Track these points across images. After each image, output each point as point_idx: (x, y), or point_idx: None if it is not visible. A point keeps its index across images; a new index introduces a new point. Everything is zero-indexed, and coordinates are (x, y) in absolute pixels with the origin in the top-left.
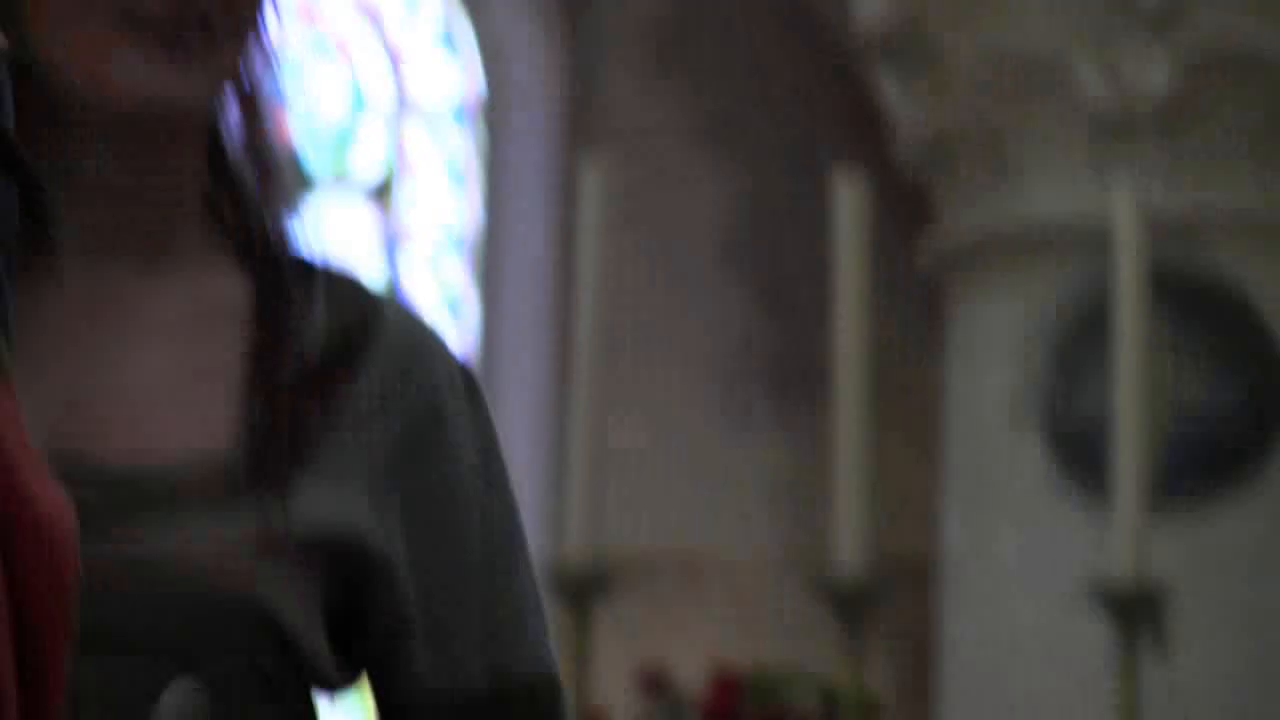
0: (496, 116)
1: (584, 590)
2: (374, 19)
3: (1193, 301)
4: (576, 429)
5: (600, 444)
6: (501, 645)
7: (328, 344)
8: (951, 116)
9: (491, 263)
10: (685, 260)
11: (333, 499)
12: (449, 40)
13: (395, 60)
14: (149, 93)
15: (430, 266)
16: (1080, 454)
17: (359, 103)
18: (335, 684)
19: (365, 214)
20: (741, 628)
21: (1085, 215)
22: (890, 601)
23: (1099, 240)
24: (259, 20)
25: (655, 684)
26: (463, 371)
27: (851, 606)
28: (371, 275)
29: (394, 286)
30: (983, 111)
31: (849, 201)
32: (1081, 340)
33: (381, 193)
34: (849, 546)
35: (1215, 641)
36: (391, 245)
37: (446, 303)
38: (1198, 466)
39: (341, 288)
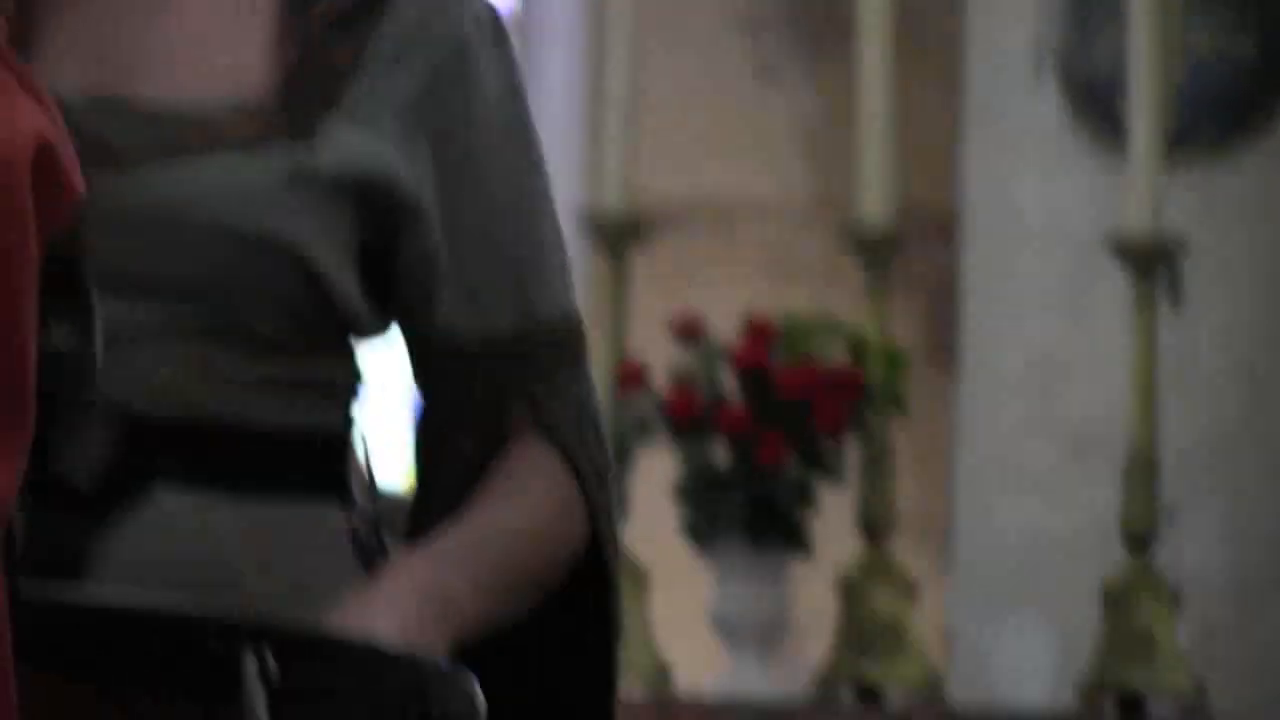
0: None
1: (619, 238)
2: None
3: None
4: (611, 79)
5: (633, 94)
6: (525, 286)
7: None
8: None
9: None
10: None
11: (363, 140)
12: None
13: None
14: None
15: None
16: (1097, 106)
17: None
18: (366, 329)
19: None
20: (771, 277)
21: None
22: (915, 251)
23: None
24: None
25: (689, 332)
26: (489, 14)
27: (877, 255)
28: None
29: None
30: None
31: None
32: None
33: None
34: (874, 195)
35: (1228, 293)
36: None
37: None
38: (1211, 117)
39: None
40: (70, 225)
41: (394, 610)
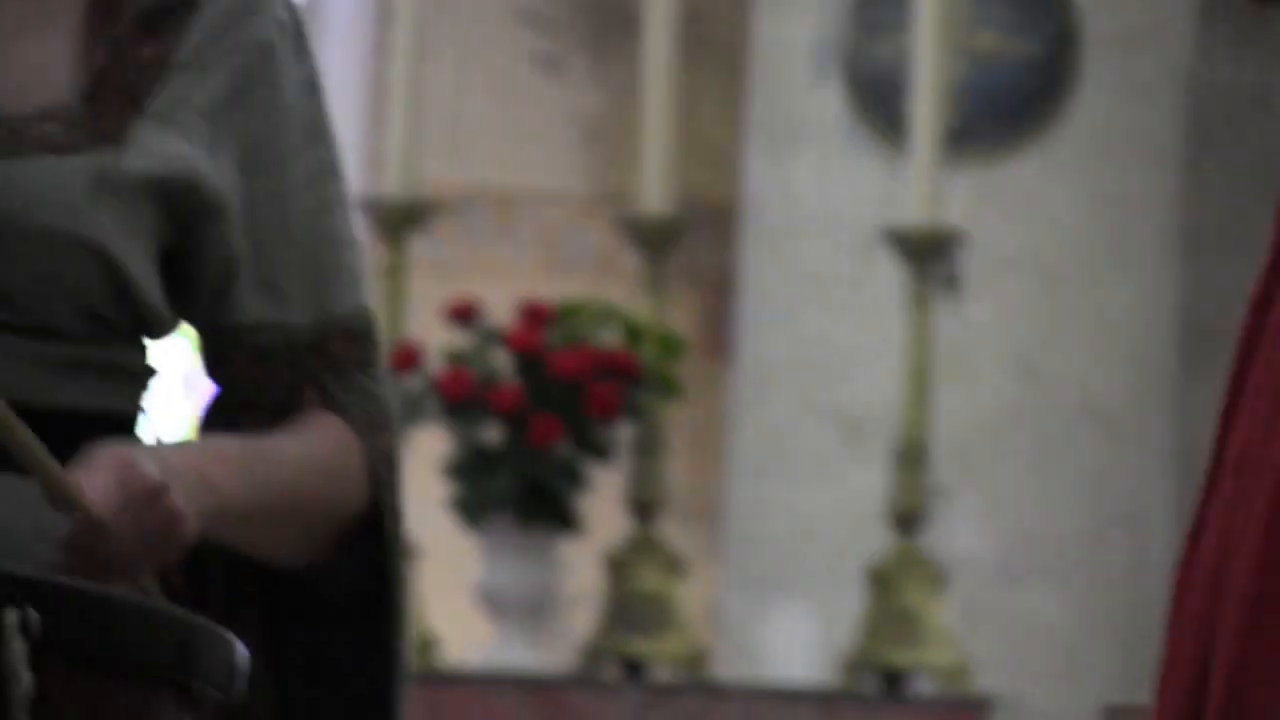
0: None
1: (399, 224)
2: None
3: None
4: (394, 70)
5: (416, 84)
6: (322, 283)
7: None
8: None
9: None
10: None
11: (169, 142)
12: None
13: None
14: None
15: None
16: (879, 103)
17: None
18: (164, 326)
19: None
20: (550, 266)
21: None
22: (695, 243)
23: None
24: None
25: (464, 315)
26: (292, 16)
27: (655, 245)
28: None
29: None
30: None
31: None
32: None
33: None
34: (654, 187)
35: (1003, 285)
36: None
37: None
38: (994, 115)
39: None
40: None
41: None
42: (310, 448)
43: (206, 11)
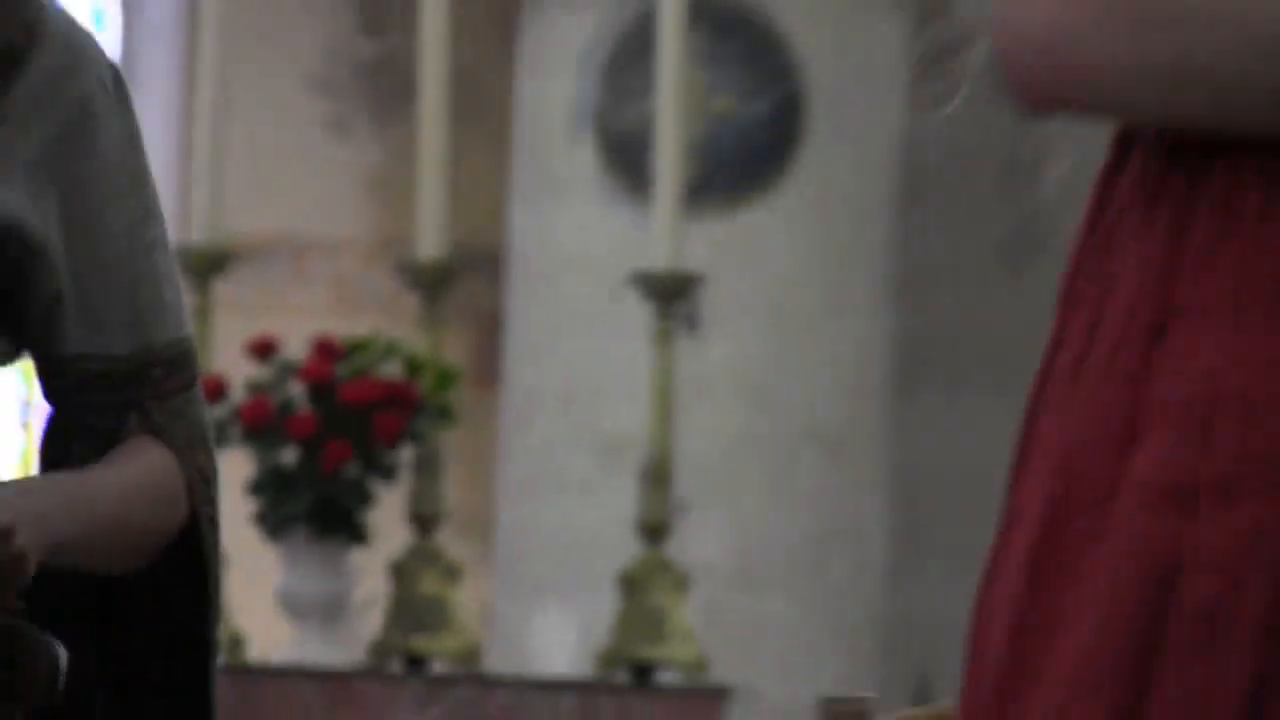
0: None
1: (206, 270)
2: None
3: (728, 23)
4: (199, 130)
5: (219, 143)
6: (142, 318)
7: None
8: None
9: None
10: None
11: (17, 171)
12: None
13: None
14: None
15: None
16: (627, 159)
17: None
18: (3, 358)
19: None
20: (341, 306)
21: None
22: (466, 281)
23: None
24: None
25: (265, 350)
26: (113, 73)
27: (431, 286)
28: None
29: None
30: None
31: None
32: (630, 56)
33: None
34: (429, 234)
35: (739, 323)
36: None
37: (93, 12)
38: (728, 171)
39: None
40: None
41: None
42: (134, 475)
43: (30, 69)
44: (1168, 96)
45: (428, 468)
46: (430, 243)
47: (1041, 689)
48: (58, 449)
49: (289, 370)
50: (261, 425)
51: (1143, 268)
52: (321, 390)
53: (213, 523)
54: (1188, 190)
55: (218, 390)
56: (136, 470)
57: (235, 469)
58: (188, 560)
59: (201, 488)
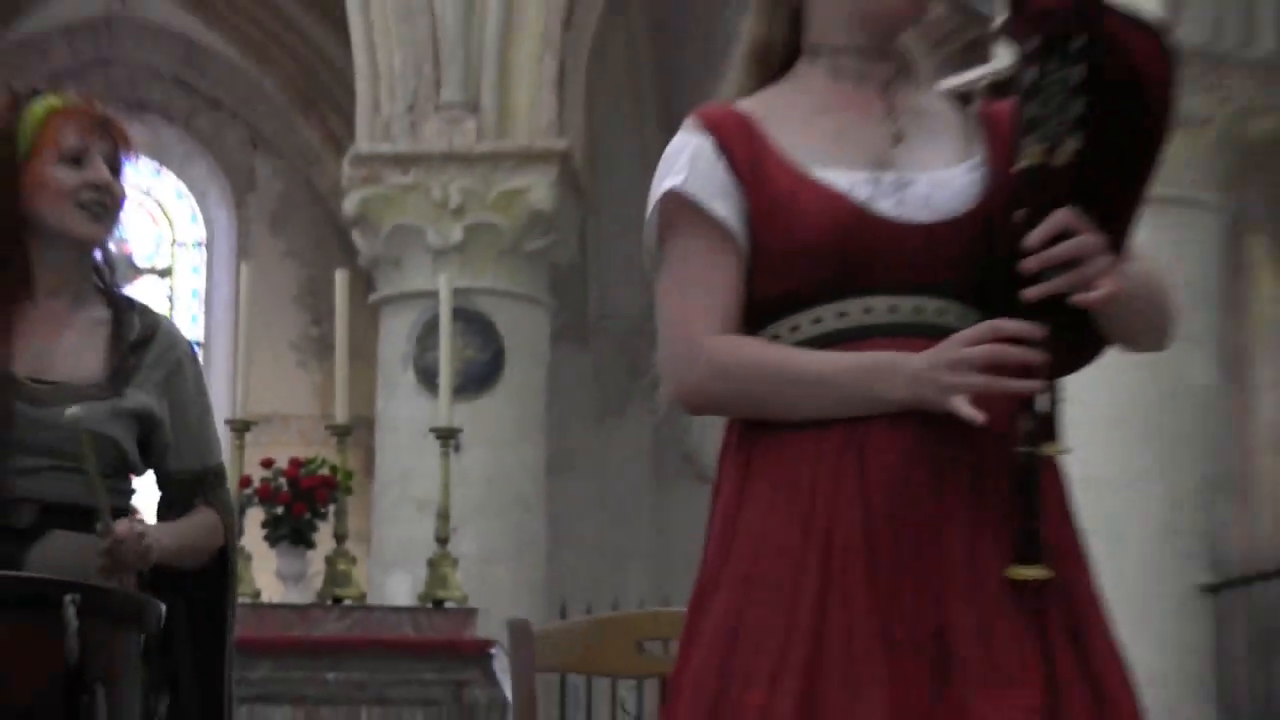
0: None
1: (241, 430)
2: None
3: (472, 316)
4: (240, 372)
5: (247, 371)
6: (203, 454)
7: (138, 335)
8: None
9: None
10: None
11: (142, 397)
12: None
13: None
14: (89, 235)
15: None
16: (427, 377)
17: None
18: (139, 470)
19: (150, 285)
20: (302, 444)
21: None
22: (358, 433)
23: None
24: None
25: (268, 464)
26: (190, 346)
27: (341, 435)
28: (154, 305)
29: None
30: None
31: None
32: (428, 329)
33: (162, 274)
34: (342, 410)
35: (481, 452)
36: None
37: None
38: (471, 384)
39: (145, 311)
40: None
41: (152, 537)
42: (199, 523)
43: (154, 346)
44: (740, 406)
45: (340, 514)
46: (342, 414)
47: None
48: (163, 512)
49: (279, 472)
50: (266, 496)
51: (728, 478)
52: (293, 480)
53: (233, 546)
54: (743, 433)
55: (247, 482)
56: (200, 521)
57: (255, 516)
58: (221, 563)
59: (229, 531)
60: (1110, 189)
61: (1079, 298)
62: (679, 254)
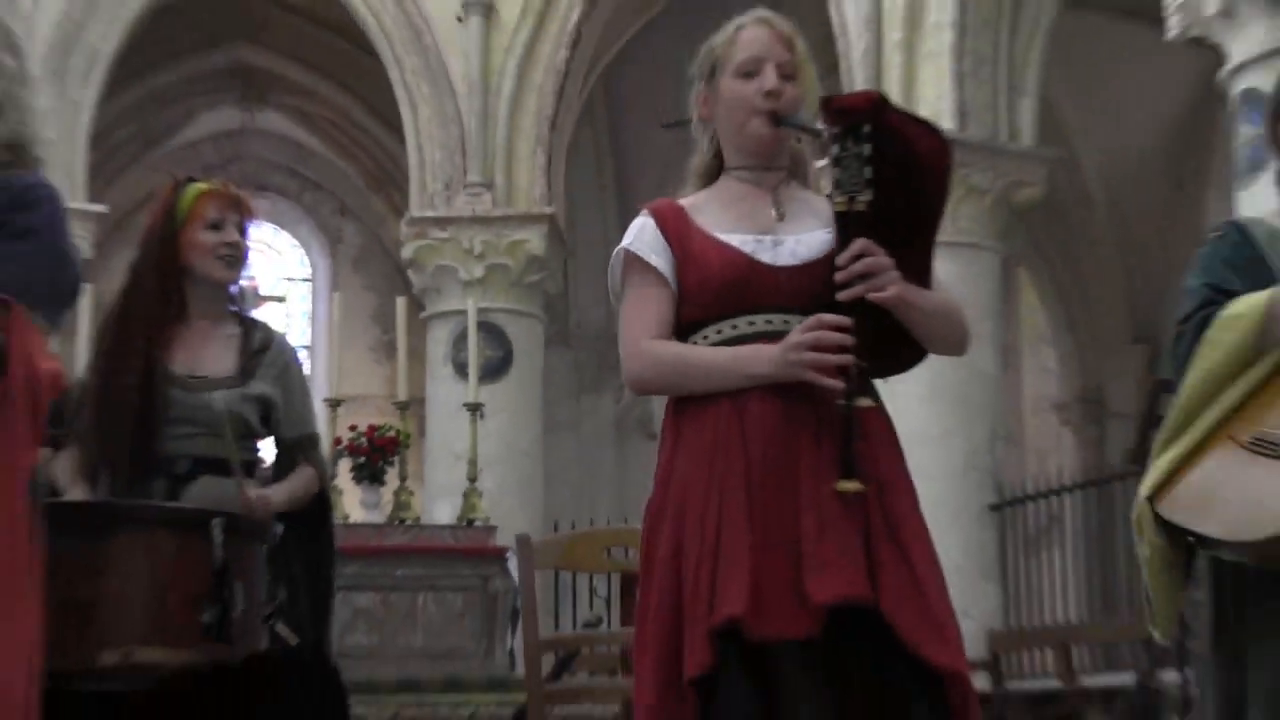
0: None
1: (335, 406)
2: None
3: (491, 328)
4: (333, 359)
5: (336, 362)
6: (304, 424)
7: (259, 344)
8: None
9: None
10: None
11: (261, 386)
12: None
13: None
14: (224, 278)
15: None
16: (461, 368)
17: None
18: (262, 438)
19: (271, 309)
20: (378, 415)
21: None
22: (414, 407)
23: None
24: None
25: (353, 429)
26: (293, 350)
27: (403, 408)
28: (271, 324)
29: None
30: None
31: None
32: (460, 339)
33: (279, 301)
34: (403, 392)
35: (499, 421)
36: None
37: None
38: (489, 372)
39: (264, 328)
40: (157, 408)
41: (270, 497)
42: (304, 478)
43: (270, 352)
44: (667, 387)
45: (402, 462)
46: (403, 394)
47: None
48: (279, 462)
49: (360, 434)
50: (352, 450)
51: (665, 438)
52: (370, 439)
53: (328, 488)
54: (673, 406)
55: (339, 441)
56: (304, 476)
57: (345, 464)
58: (320, 504)
59: (323, 479)
60: (904, 233)
61: (873, 296)
62: (631, 289)
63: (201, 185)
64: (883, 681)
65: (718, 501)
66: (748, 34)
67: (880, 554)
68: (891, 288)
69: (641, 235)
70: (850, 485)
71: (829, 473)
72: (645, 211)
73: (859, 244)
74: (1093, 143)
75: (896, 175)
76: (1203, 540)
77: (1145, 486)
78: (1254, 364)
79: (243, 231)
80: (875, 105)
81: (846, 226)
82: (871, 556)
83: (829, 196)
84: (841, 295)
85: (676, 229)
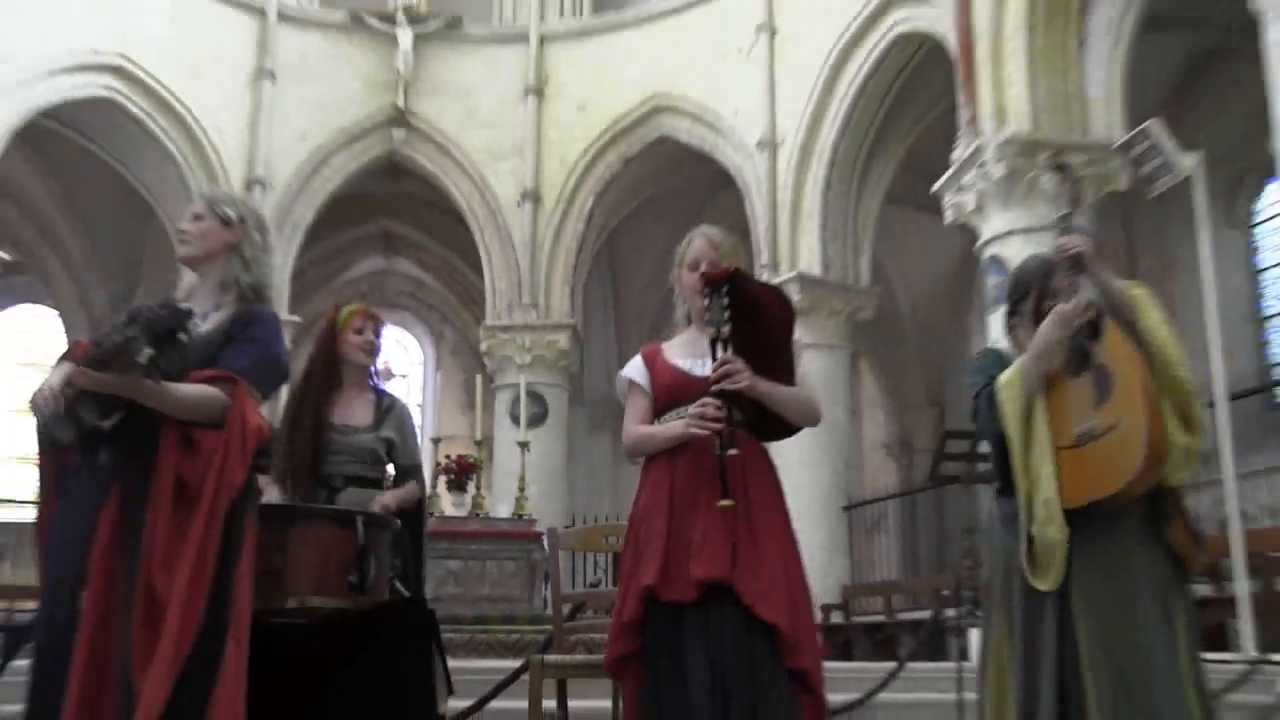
0: None
1: (436, 443)
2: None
3: (534, 395)
4: (437, 414)
5: (439, 413)
6: (412, 455)
7: (386, 406)
8: None
9: None
10: None
11: (388, 431)
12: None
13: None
14: (365, 364)
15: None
16: (515, 418)
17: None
18: (386, 464)
19: (398, 383)
20: (464, 447)
21: None
22: (485, 446)
23: None
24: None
25: (447, 458)
26: (408, 411)
27: (479, 444)
28: (397, 392)
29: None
30: None
31: None
32: (516, 403)
33: (403, 377)
34: (478, 434)
35: (535, 450)
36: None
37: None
38: (533, 419)
39: (390, 395)
40: (322, 445)
41: (389, 503)
42: (412, 490)
43: (394, 409)
44: (642, 451)
45: (478, 477)
46: (479, 435)
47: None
48: (396, 479)
49: (452, 460)
50: (447, 470)
51: (642, 476)
52: (458, 463)
53: (425, 498)
54: (645, 460)
55: (439, 464)
56: (411, 490)
57: (442, 480)
58: (420, 508)
59: (422, 488)
60: (759, 353)
61: (730, 386)
62: (629, 398)
63: (352, 306)
64: (746, 629)
65: (664, 520)
66: (694, 244)
67: (741, 548)
68: (745, 381)
69: (635, 367)
70: (725, 503)
71: (715, 496)
72: (639, 354)
73: (724, 356)
74: (902, 283)
75: (749, 317)
76: (1100, 503)
77: (1046, 494)
78: (1031, 408)
79: (376, 334)
80: (730, 275)
81: (714, 346)
82: (735, 550)
83: (705, 328)
84: (711, 388)
85: (652, 362)
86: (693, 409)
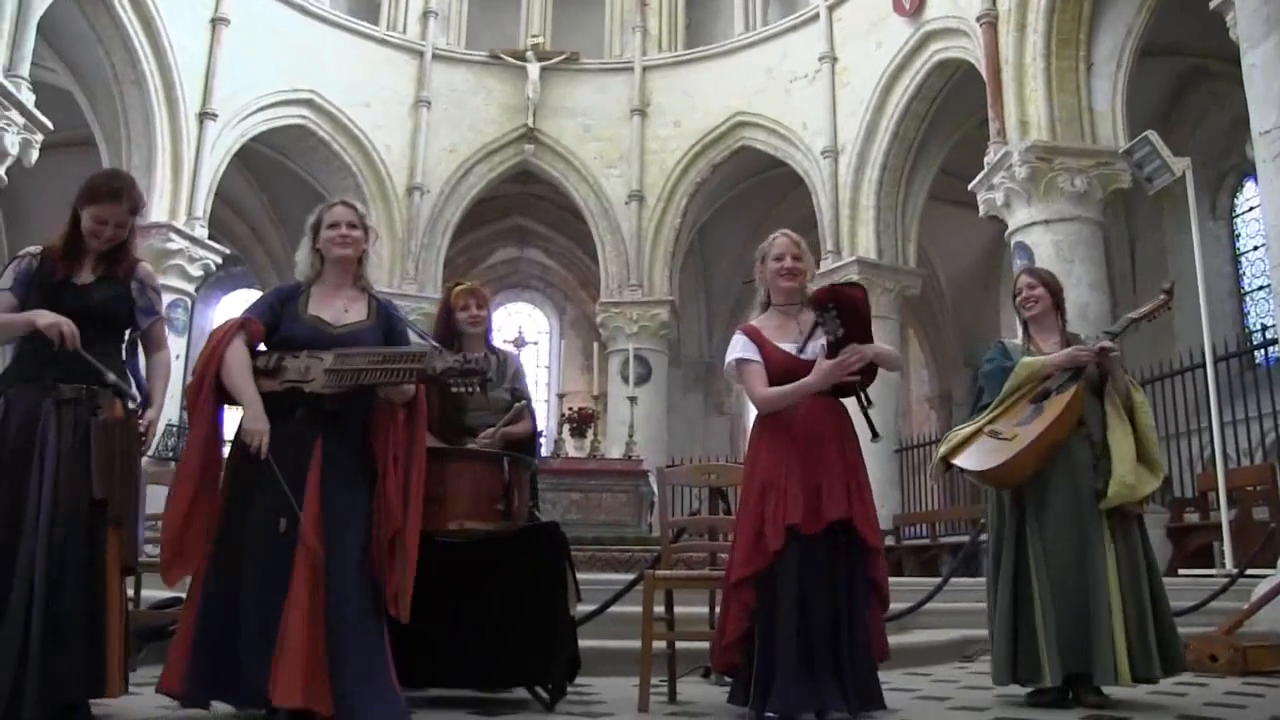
0: None
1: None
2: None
3: (641, 359)
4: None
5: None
6: (527, 398)
7: (504, 361)
8: None
9: None
10: None
11: (510, 383)
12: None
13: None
14: (474, 334)
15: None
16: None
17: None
18: (512, 406)
19: (528, 351)
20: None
21: None
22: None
23: None
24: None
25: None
26: (522, 368)
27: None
28: (516, 354)
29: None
30: None
31: None
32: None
33: (533, 344)
34: (583, 397)
35: (641, 405)
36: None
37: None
38: (639, 381)
39: (509, 355)
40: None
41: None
42: (525, 426)
43: (511, 365)
44: (775, 408)
45: (596, 425)
46: (597, 390)
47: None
48: (515, 416)
49: (574, 410)
50: (570, 419)
51: (754, 434)
52: (580, 413)
53: (535, 431)
54: (759, 417)
55: (565, 413)
56: (524, 425)
57: (567, 427)
58: (532, 438)
59: (534, 421)
60: (863, 329)
61: (858, 365)
62: (746, 371)
63: (465, 285)
64: (849, 551)
65: (785, 474)
66: (778, 242)
67: (850, 489)
68: (868, 355)
69: (746, 345)
70: (877, 439)
71: (829, 448)
72: (741, 331)
73: (851, 347)
74: (942, 265)
75: (850, 314)
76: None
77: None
78: (1012, 392)
79: (480, 308)
80: (831, 292)
81: (832, 346)
82: (848, 490)
83: (823, 336)
84: (854, 366)
85: (761, 343)
86: (842, 357)
